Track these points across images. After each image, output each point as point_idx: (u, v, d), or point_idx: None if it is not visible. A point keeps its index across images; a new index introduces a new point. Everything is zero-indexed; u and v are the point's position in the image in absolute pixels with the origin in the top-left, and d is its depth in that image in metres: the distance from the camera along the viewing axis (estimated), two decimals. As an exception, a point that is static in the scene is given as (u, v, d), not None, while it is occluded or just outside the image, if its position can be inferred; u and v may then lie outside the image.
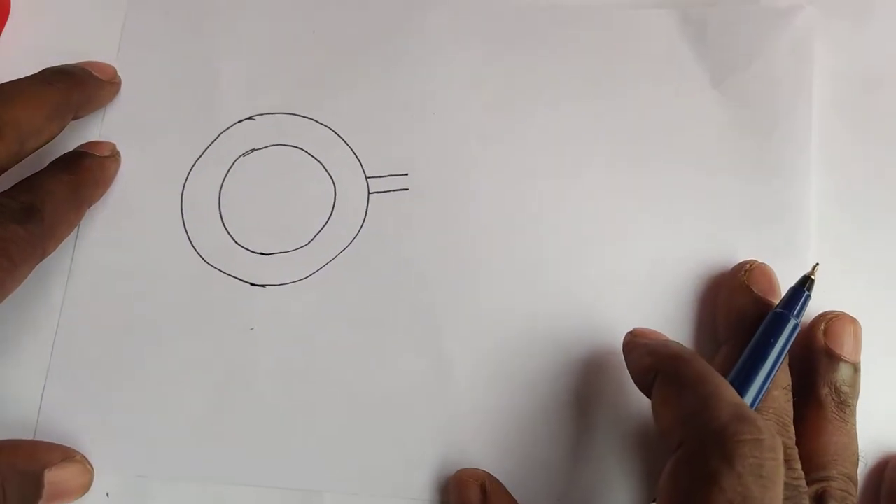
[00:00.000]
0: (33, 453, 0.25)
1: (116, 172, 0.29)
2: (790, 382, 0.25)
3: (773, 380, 0.24)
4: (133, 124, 0.30)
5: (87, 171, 0.27)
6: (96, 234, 0.29)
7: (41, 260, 0.25)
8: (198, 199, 0.29)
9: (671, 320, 0.28)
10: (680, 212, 0.30)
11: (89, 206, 0.28)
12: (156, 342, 0.28)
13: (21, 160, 0.25)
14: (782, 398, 0.25)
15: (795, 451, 0.24)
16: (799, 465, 0.23)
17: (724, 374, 0.23)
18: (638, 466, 0.27)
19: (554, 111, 0.31)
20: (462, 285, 0.29)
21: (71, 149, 0.29)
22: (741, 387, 0.24)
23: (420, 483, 0.27)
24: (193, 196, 0.29)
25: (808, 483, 0.23)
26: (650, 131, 0.31)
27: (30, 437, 0.27)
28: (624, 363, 0.26)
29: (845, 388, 0.25)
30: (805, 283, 0.26)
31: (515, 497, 0.26)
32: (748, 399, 0.24)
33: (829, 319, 0.26)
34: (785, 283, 0.28)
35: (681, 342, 0.26)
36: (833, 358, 0.26)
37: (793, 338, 0.25)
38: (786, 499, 0.21)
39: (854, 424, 0.25)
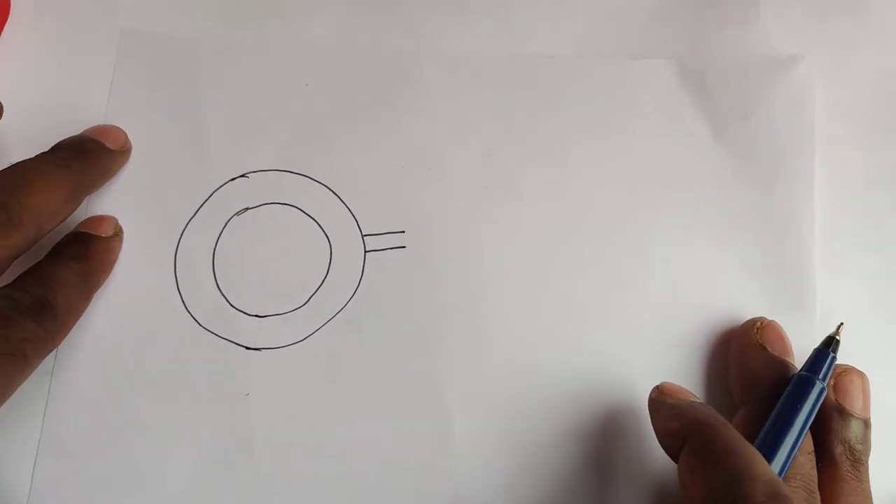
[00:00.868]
0: None
1: (119, 251, 0.28)
2: (813, 447, 0.25)
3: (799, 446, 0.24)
4: (123, 185, 0.29)
5: (94, 258, 0.27)
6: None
7: (48, 354, 0.25)
8: (191, 260, 0.29)
9: (679, 375, 0.28)
10: (682, 262, 0.30)
11: (96, 291, 0.27)
12: (149, 410, 0.27)
13: (37, 243, 0.25)
14: (808, 464, 0.24)
15: None
16: None
17: (748, 439, 0.23)
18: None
19: (553, 162, 0.30)
20: (463, 345, 0.28)
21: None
22: (769, 453, 0.23)
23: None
24: (187, 257, 0.29)
25: None
26: (650, 182, 0.30)
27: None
28: (635, 422, 0.25)
29: (858, 446, 0.25)
30: (830, 345, 0.26)
31: None
32: (776, 466, 0.23)
33: (838, 375, 0.26)
34: (791, 337, 0.28)
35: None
36: (844, 415, 0.25)
37: (820, 402, 0.25)
38: None
39: (868, 482, 0.25)
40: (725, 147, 0.30)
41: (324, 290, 0.29)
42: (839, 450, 0.25)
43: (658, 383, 0.26)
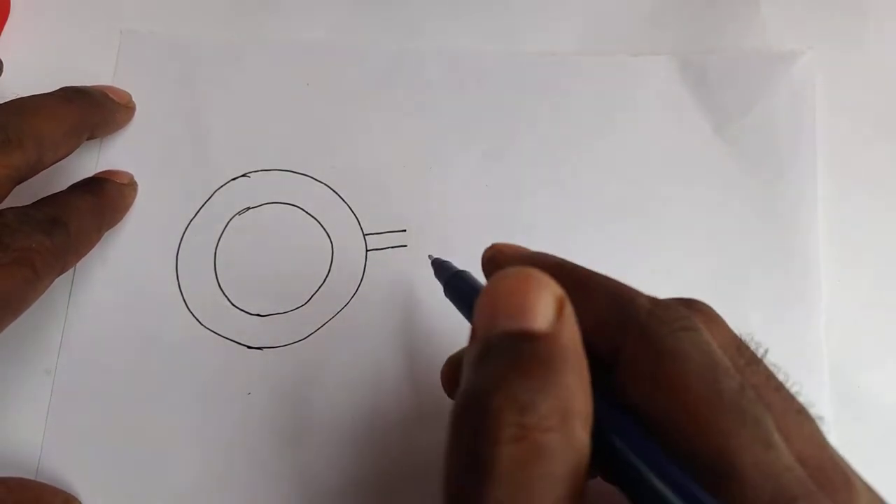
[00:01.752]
0: (40, 495, 0.25)
1: (133, 201, 0.29)
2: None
3: None
4: (125, 184, 0.30)
5: (108, 195, 0.28)
6: (91, 297, 0.28)
7: (61, 274, 0.25)
8: (193, 260, 0.29)
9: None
10: (685, 259, 0.29)
11: (108, 230, 0.28)
12: (151, 409, 0.27)
13: (38, 173, 0.25)
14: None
15: None
16: None
17: None
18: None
19: (554, 160, 0.30)
20: (463, 345, 0.28)
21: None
22: None
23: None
24: (189, 257, 0.29)
25: None
26: (652, 178, 0.30)
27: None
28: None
29: None
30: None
31: None
32: None
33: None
34: (795, 330, 0.28)
35: None
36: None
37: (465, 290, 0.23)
38: None
39: None
40: (727, 142, 0.30)
41: (325, 289, 0.29)
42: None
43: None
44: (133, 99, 0.30)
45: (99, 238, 0.27)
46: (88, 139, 0.28)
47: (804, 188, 0.30)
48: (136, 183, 0.29)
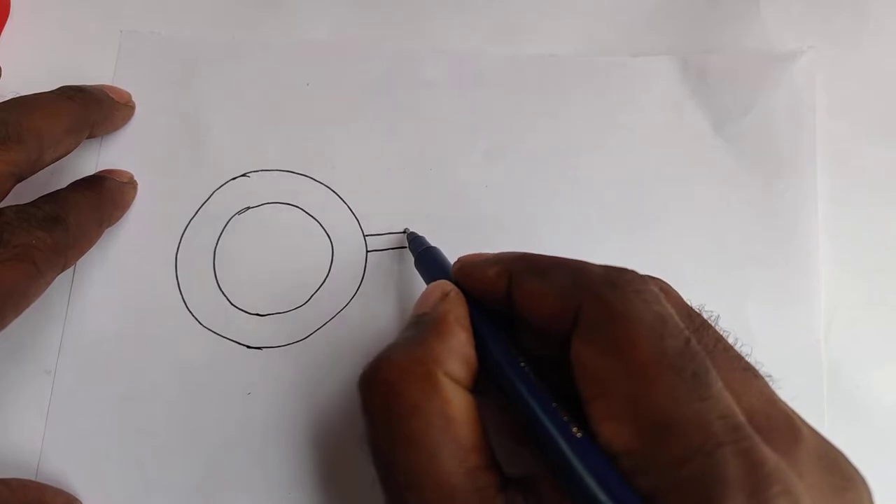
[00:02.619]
0: (42, 496, 0.25)
1: (133, 199, 0.29)
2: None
3: None
4: (125, 184, 0.30)
5: (108, 192, 0.28)
6: (90, 297, 0.28)
7: (62, 271, 0.25)
8: (192, 259, 0.29)
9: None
10: (684, 259, 0.29)
11: (108, 226, 0.28)
12: (151, 409, 0.27)
13: (38, 171, 0.25)
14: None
15: None
16: None
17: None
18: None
19: (555, 161, 0.30)
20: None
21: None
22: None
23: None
24: (188, 256, 0.29)
25: None
26: (652, 179, 0.30)
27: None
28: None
29: None
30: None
31: None
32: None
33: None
34: (795, 327, 0.28)
35: None
36: None
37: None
38: None
39: None
40: (727, 142, 0.30)
41: (325, 289, 0.29)
42: None
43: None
44: (133, 98, 0.30)
45: (99, 235, 0.27)
46: (88, 137, 0.28)
47: (804, 188, 0.30)
48: (135, 181, 0.29)
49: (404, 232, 0.29)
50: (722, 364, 0.18)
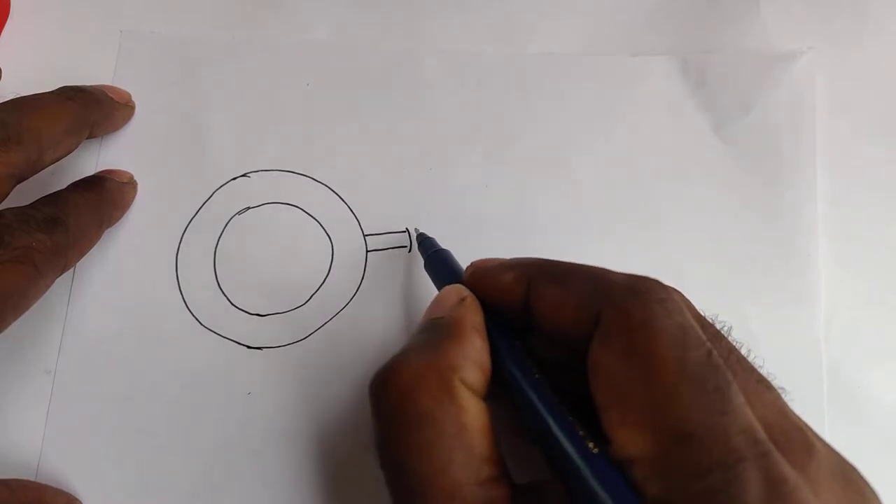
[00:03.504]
0: (42, 496, 0.25)
1: (133, 199, 0.29)
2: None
3: None
4: (125, 184, 0.30)
5: (108, 193, 0.28)
6: (90, 297, 0.28)
7: (63, 272, 0.25)
8: (193, 259, 0.29)
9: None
10: (684, 259, 0.29)
11: (108, 227, 0.28)
12: (151, 409, 0.27)
13: (38, 171, 0.25)
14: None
15: None
16: None
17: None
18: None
19: (554, 160, 0.30)
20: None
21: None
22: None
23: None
24: (188, 256, 0.29)
25: None
26: (652, 179, 0.30)
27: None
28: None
29: None
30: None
31: None
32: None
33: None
34: (795, 327, 0.28)
35: None
36: None
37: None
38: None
39: None
40: (727, 142, 0.30)
41: (325, 289, 0.29)
42: None
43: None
44: (133, 98, 0.30)
45: (99, 236, 0.27)
46: (88, 138, 0.28)
47: (804, 188, 0.30)
48: (135, 182, 0.29)
49: (405, 231, 0.29)
50: (736, 376, 0.18)
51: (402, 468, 0.18)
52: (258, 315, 0.28)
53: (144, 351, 0.28)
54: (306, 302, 0.29)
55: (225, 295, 0.29)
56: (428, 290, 0.28)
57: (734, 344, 0.19)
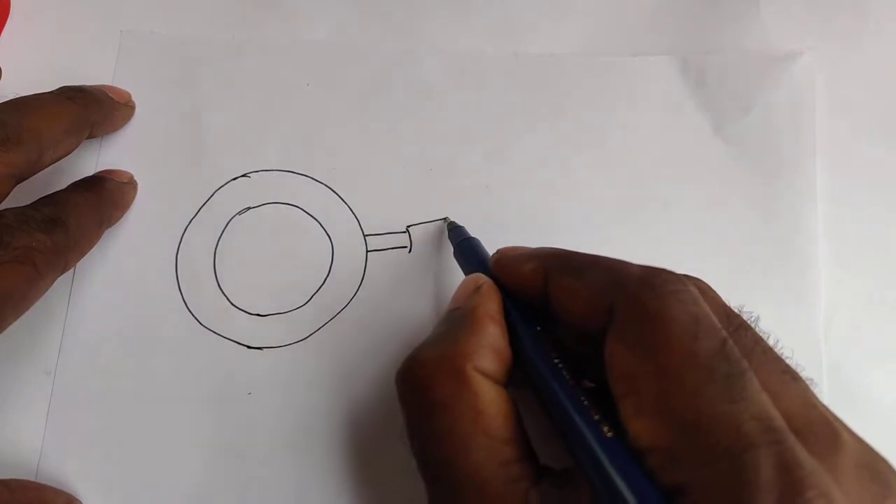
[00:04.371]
0: (42, 496, 0.25)
1: (133, 199, 0.29)
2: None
3: None
4: (125, 184, 0.30)
5: (108, 193, 0.28)
6: (90, 297, 0.28)
7: (63, 272, 0.25)
8: (193, 259, 0.29)
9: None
10: (684, 259, 0.29)
11: (108, 227, 0.28)
12: (151, 409, 0.27)
13: (38, 171, 0.25)
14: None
15: None
16: None
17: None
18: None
19: (555, 161, 0.30)
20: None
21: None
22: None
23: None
24: (188, 257, 0.29)
25: None
26: (652, 179, 0.30)
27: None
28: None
29: None
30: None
31: None
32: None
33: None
34: (794, 330, 0.28)
35: None
36: None
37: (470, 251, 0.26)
38: None
39: None
40: (727, 142, 0.30)
41: (325, 289, 0.29)
42: None
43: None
44: (133, 98, 0.30)
45: (99, 236, 0.27)
46: (88, 138, 0.28)
47: (804, 188, 0.30)
48: (135, 181, 0.29)
49: (405, 231, 0.29)
50: (760, 366, 0.18)
51: (427, 454, 0.20)
52: (258, 315, 0.28)
53: (144, 351, 0.28)
54: (307, 302, 0.29)
55: (225, 295, 0.29)
56: (428, 290, 0.29)
57: (761, 334, 0.19)
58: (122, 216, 0.29)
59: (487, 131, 0.31)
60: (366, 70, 0.31)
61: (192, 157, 0.30)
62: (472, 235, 0.27)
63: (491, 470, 0.18)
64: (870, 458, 0.18)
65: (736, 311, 0.20)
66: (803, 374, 0.19)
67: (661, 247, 0.29)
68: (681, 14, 0.32)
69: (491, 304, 0.22)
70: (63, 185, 0.27)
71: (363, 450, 0.27)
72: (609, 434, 0.18)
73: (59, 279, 0.24)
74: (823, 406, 0.18)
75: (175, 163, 0.30)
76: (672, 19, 0.32)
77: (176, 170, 0.30)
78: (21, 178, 0.24)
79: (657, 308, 0.18)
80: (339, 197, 0.30)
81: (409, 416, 0.21)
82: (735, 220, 0.30)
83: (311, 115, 0.30)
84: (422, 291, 0.29)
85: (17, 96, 0.26)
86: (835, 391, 0.28)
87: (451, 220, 0.29)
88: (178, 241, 0.29)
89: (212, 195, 0.29)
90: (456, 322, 0.21)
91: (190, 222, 0.29)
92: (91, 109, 0.27)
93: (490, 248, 0.29)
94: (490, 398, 0.19)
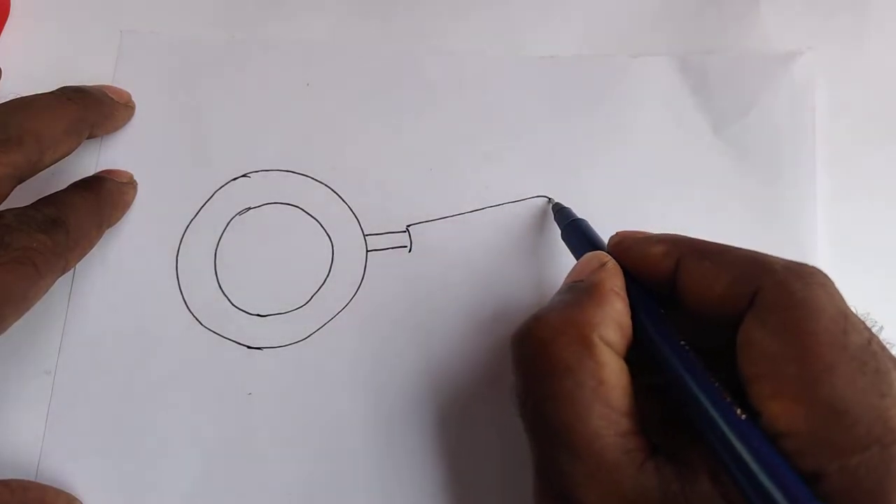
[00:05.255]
0: (42, 496, 0.25)
1: (133, 199, 0.29)
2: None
3: None
4: (125, 184, 0.30)
5: (107, 193, 0.28)
6: (91, 297, 0.28)
7: (63, 273, 0.25)
8: (193, 260, 0.29)
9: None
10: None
11: (108, 227, 0.28)
12: (151, 409, 0.27)
13: (38, 172, 0.25)
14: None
15: None
16: None
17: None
18: None
19: (555, 161, 0.30)
20: (463, 346, 0.28)
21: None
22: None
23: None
24: (189, 257, 0.29)
25: None
26: (652, 179, 0.30)
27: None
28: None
29: None
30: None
31: None
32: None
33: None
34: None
35: None
36: None
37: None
38: None
39: None
40: (727, 143, 0.30)
41: (325, 289, 0.29)
42: None
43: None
44: (133, 98, 0.30)
45: (99, 236, 0.27)
46: (88, 138, 0.28)
47: (804, 188, 0.30)
48: (135, 181, 0.29)
49: (405, 231, 0.29)
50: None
51: (543, 416, 0.19)
52: (258, 315, 0.28)
53: (144, 351, 0.28)
54: (307, 302, 0.29)
55: (225, 295, 0.29)
56: (429, 289, 0.28)
57: (885, 343, 0.19)
58: (122, 216, 0.29)
59: (487, 131, 0.31)
60: (366, 70, 0.31)
61: (192, 157, 0.30)
62: (579, 217, 0.27)
63: (609, 439, 0.18)
64: None
65: (861, 317, 0.20)
66: None
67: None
68: (681, 14, 0.32)
69: (617, 280, 0.22)
70: (63, 185, 0.27)
71: (363, 450, 0.27)
72: (743, 416, 0.17)
73: (59, 279, 0.24)
74: None
75: (175, 163, 0.30)
76: (672, 19, 0.32)
77: (176, 170, 0.30)
78: (21, 179, 0.24)
79: (807, 297, 0.18)
80: (339, 197, 0.30)
81: (525, 377, 0.20)
82: (735, 220, 0.30)
83: (311, 115, 0.30)
84: (422, 291, 0.29)
85: (17, 96, 0.25)
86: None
87: (556, 200, 0.29)
88: (178, 241, 0.29)
89: (212, 195, 0.29)
90: (581, 292, 0.21)
91: (190, 222, 0.29)
92: (91, 109, 0.27)
93: (490, 247, 0.29)
94: (612, 369, 0.19)
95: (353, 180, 0.30)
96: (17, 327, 0.23)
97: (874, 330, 0.20)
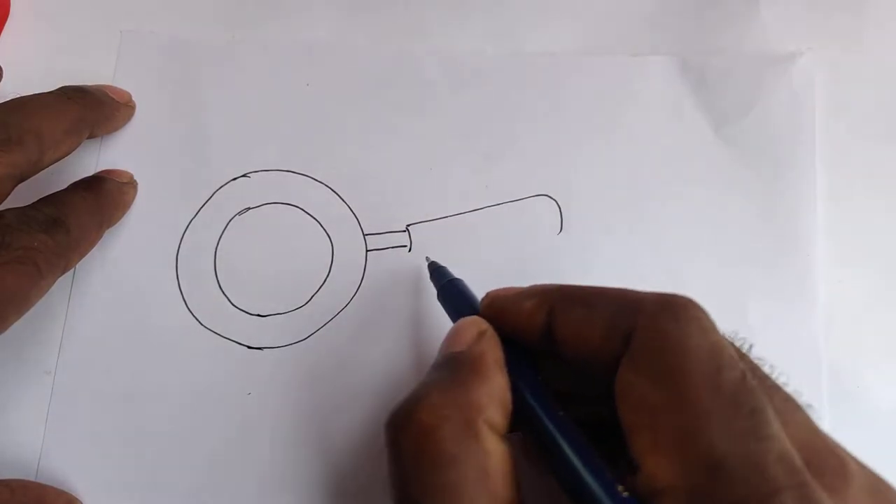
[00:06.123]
0: (42, 496, 0.25)
1: (133, 199, 0.29)
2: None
3: None
4: (125, 184, 0.30)
5: (107, 193, 0.28)
6: (91, 297, 0.28)
7: (63, 273, 0.25)
8: (193, 260, 0.29)
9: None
10: (684, 260, 0.29)
11: (108, 227, 0.28)
12: (151, 409, 0.27)
13: (38, 172, 0.25)
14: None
15: None
16: None
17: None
18: None
19: (555, 161, 0.30)
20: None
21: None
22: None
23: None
24: (189, 257, 0.29)
25: None
26: (652, 179, 0.30)
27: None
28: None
29: None
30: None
31: None
32: None
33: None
34: (794, 330, 0.28)
35: None
36: None
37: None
38: None
39: None
40: (726, 143, 0.30)
41: (325, 289, 0.29)
42: None
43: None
44: (133, 98, 0.30)
45: (99, 236, 0.27)
46: (88, 138, 0.28)
47: (804, 188, 0.30)
48: (135, 181, 0.29)
49: (405, 231, 0.29)
50: (769, 396, 0.17)
51: None
52: (259, 315, 0.28)
53: (144, 351, 0.28)
54: (307, 302, 0.29)
55: (225, 295, 0.29)
56: (429, 289, 0.28)
57: (756, 362, 0.19)
58: (122, 216, 0.29)
59: (487, 131, 0.31)
60: (365, 70, 0.31)
61: (191, 157, 0.30)
62: (455, 276, 0.26)
63: None
64: (876, 484, 0.17)
65: (729, 338, 0.19)
66: (802, 400, 0.18)
67: (661, 247, 0.29)
68: (681, 14, 0.32)
69: (497, 351, 0.20)
70: (63, 185, 0.27)
71: (363, 450, 0.27)
72: (625, 494, 0.17)
73: (60, 279, 0.25)
74: (825, 434, 0.18)
75: (175, 163, 0.30)
76: (672, 19, 0.32)
77: (176, 170, 0.30)
78: (22, 179, 0.25)
79: (679, 336, 0.17)
80: (339, 197, 0.30)
81: (403, 465, 0.18)
82: (735, 220, 0.30)
83: (311, 115, 0.30)
84: (422, 290, 0.29)
85: (17, 96, 0.26)
86: (835, 391, 0.28)
87: (433, 259, 0.27)
88: (178, 241, 0.29)
89: (212, 195, 0.29)
90: (462, 368, 0.20)
91: (190, 222, 0.29)
92: (91, 109, 0.27)
93: (490, 248, 0.29)
94: (497, 457, 0.18)
95: (353, 180, 0.30)
96: (18, 327, 0.24)
97: (744, 349, 0.19)
